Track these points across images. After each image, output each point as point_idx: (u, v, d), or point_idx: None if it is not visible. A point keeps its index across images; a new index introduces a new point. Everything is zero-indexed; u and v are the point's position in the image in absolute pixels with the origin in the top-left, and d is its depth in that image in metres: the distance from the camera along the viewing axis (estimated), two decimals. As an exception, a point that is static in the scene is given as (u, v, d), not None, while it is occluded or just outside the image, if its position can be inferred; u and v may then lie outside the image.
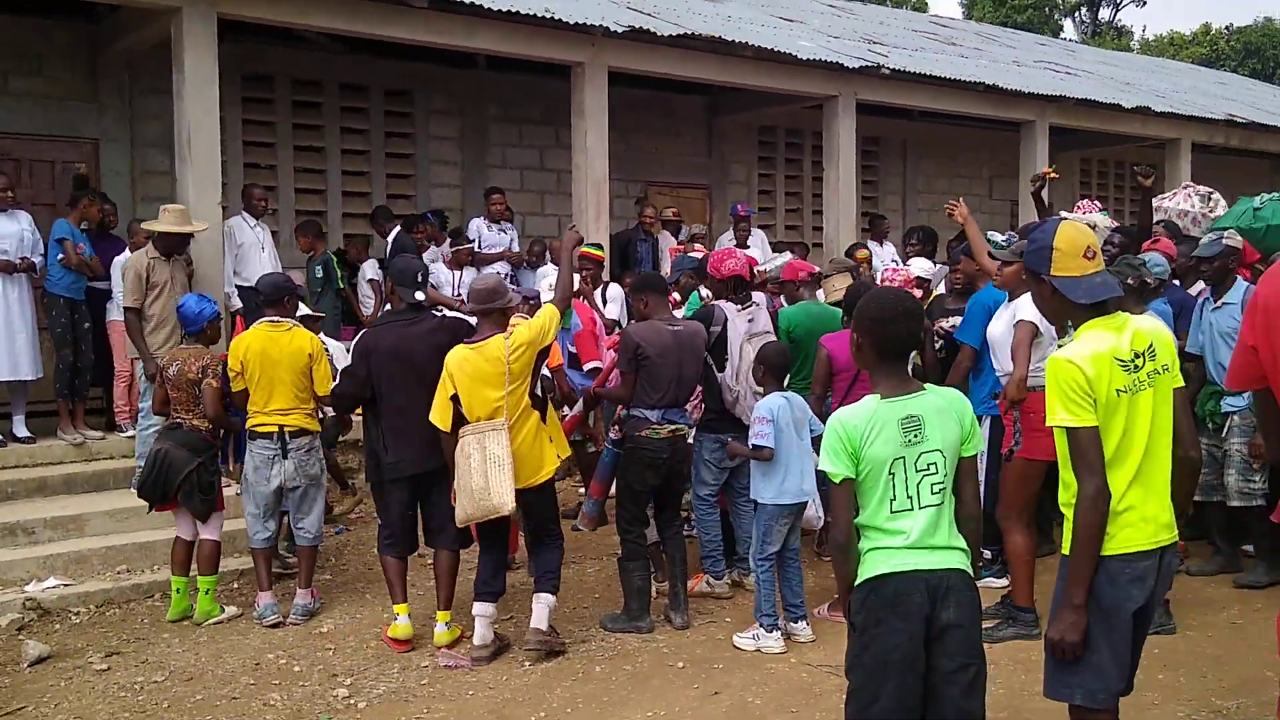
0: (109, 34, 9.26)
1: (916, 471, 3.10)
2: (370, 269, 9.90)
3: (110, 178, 9.49)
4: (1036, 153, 12.97)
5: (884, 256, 11.21)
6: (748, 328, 6.18)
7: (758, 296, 6.64)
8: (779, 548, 5.67)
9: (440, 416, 5.48)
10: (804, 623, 5.74)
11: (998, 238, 7.53)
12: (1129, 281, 5.71)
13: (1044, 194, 8.60)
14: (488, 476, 5.29)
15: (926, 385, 3.24)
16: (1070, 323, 3.38)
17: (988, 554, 6.27)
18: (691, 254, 8.64)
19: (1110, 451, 3.16)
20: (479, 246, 10.24)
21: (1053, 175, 8.63)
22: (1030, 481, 5.56)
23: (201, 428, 6.18)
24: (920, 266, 8.18)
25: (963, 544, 3.15)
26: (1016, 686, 4.90)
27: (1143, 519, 3.20)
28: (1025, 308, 5.41)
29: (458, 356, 5.48)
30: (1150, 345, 3.26)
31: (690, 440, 6.15)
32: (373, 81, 11.02)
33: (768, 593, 5.66)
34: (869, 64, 11.50)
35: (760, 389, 5.92)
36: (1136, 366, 3.21)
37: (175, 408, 6.20)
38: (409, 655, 5.65)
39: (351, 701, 5.07)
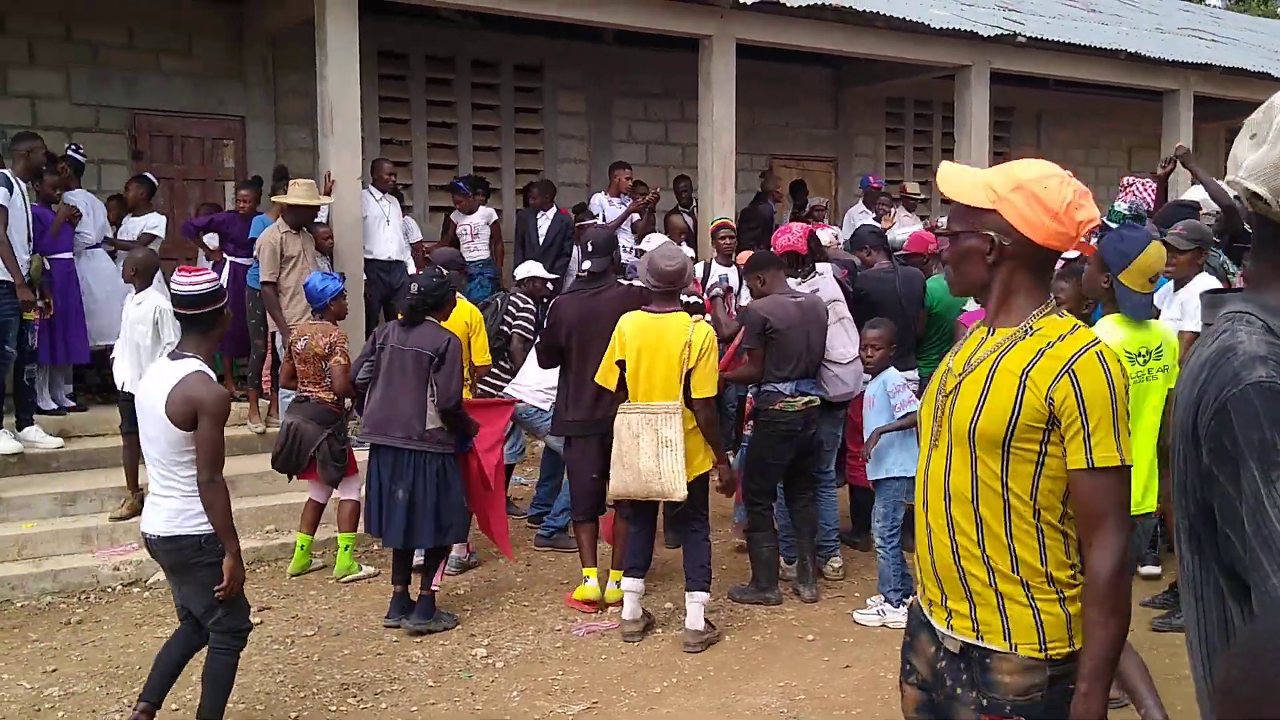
0: (254, 13, 9.62)
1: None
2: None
3: (256, 154, 9.86)
4: (1180, 123, 12.49)
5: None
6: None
7: (822, 267, 6.51)
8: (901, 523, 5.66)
9: (606, 378, 5.46)
10: (903, 607, 5.66)
11: (1121, 207, 7.27)
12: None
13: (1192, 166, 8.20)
14: (659, 459, 5.26)
15: None
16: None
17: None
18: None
19: None
20: (604, 221, 10.32)
21: (1180, 150, 8.08)
22: None
23: (328, 400, 6.39)
24: None
25: None
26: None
27: (1140, 492, 3.66)
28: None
29: (634, 321, 5.38)
30: (1159, 345, 3.79)
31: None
32: (504, 57, 11.20)
33: (896, 567, 5.64)
34: (1005, 32, 11.22)
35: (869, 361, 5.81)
36: (1142, 361, 3.72)
37: (303, 381, 6.43)
38: (543, 618, 5.80)
39: (490, 661, 5.24)
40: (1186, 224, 5.76)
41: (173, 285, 4.21)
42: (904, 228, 9.84)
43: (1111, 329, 3.78)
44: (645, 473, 5.29)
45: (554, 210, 9.93)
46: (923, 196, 11.28)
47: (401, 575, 5.73)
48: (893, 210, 10.77)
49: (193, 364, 4.04)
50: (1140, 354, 3.73)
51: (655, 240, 8.12)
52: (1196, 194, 7.76)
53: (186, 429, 3.97)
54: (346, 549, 6.50)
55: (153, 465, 4.14)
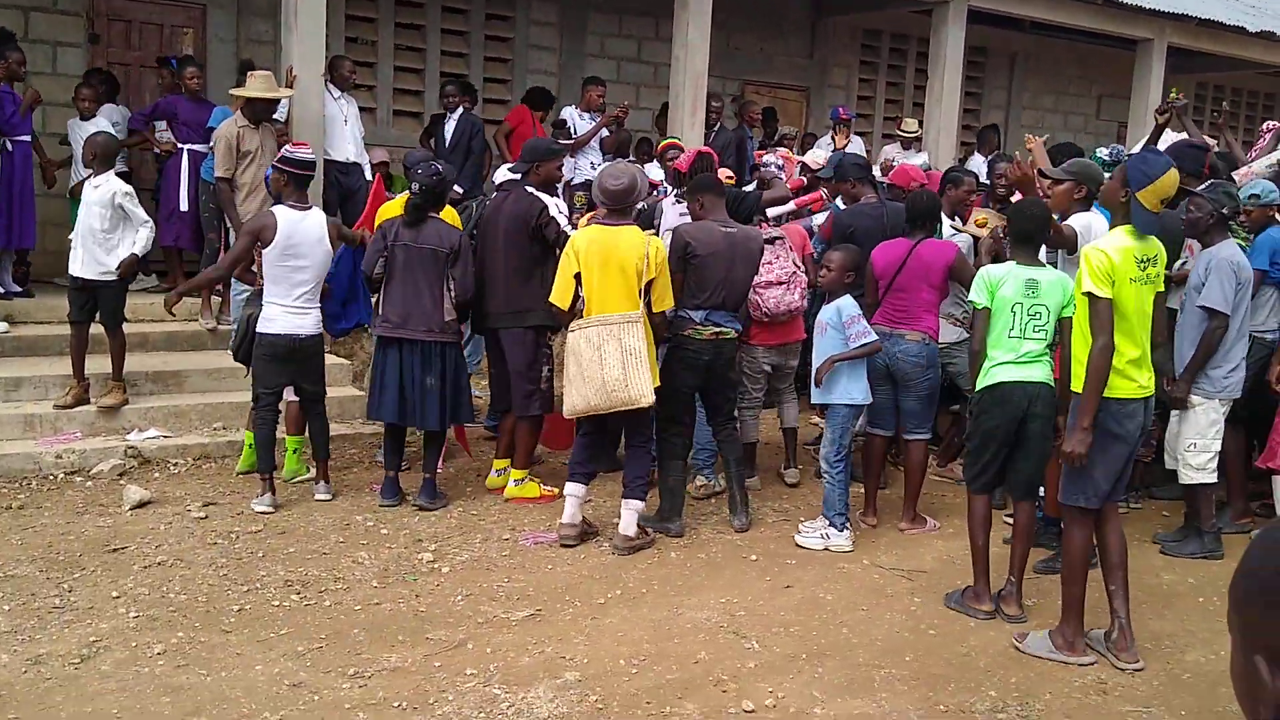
0: (220, -103, 9.27)
1: (1029, 315, 4.69)
2: None
3: (215, 44, 9.59)
4: (1151, 74, 12.51)
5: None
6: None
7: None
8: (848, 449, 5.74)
9: (561, 295, 5.50)
10: (847, 531, 5.76)
11: (1103, 153, 7.33)
12: (1223, 210, 5.64)
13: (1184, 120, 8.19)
14: (625, 368, 5.29)
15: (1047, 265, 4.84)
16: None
17: None
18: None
19: (1118, 322, 4.29)
20: (574, 135, 10.19)
21: (1180, 99, 8.09)
22: None
23: None
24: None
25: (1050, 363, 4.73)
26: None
27: (1133, 378, 4.36)
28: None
29: (587, 234, 5.47)
30: (1156, 255, 4.43)
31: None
32: (477, -38, 10.93)
33: (841, 493, 5.72)
34: (984, -31, 11.11)
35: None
36: (1144, 267, 4.36)
37: (258, 274, 6.32)
38: (490, 527, 5.82)
39: (435, 566, 5.25)
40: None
41: (284, 152, 6.04)
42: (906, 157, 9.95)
43: (1123, 238, 4.38)
44: (611, 383, 5.31)
45: (460, 111, 9.55)
46: (918, 134, 11.22)
47: (396, 460, 6.16)
48: (849, 138, 10.76)
49: (319, 210, 6.07)
50: (1143, 260, 4.35)
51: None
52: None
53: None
54: (295, 452, 6.46)
55: (303, 286, 5.89)
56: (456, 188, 7.74)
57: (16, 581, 4.82)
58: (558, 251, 5.89)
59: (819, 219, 7.39)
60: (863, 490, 6.21)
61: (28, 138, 7.67)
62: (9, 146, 7.44)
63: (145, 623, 4.49)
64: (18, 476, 6.17)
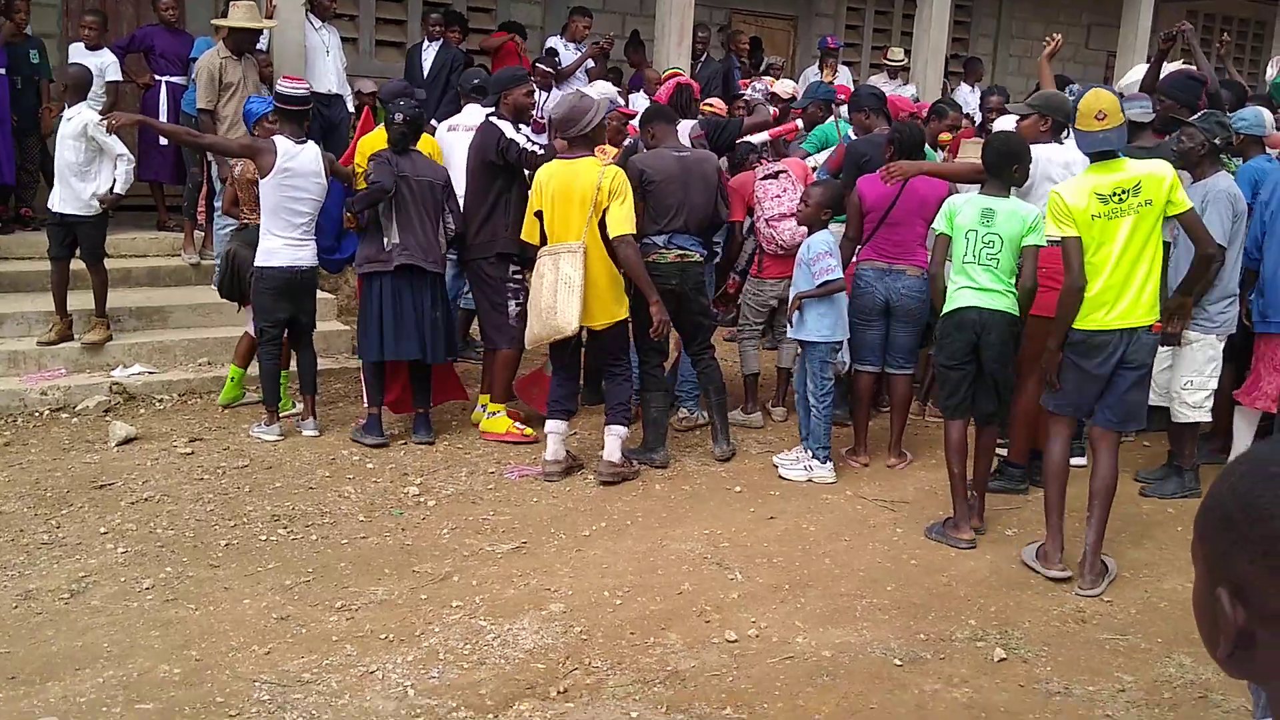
0: None
1: (982, 242, 4.81)
2: None
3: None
4: (1140, 2, 12.35)
5: (974, 104, 10.86)
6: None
7: (682, 125, 6.45)
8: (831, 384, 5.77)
9: (529, 232, 5.56)
10: (830, 463, 5.81)
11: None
12: (1215, 141, 5.53)
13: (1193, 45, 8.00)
14: (556, 296, 5.35)
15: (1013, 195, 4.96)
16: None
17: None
18: (823, 82, 8.55)
19: (1088, 257, 4.44)
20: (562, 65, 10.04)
21: (1185, 27, 7.83)
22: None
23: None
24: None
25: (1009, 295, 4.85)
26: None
27: (1108, 307, 4.45)
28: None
29: (548, 171, 5.50)
30: (1137, 184, 4.42)
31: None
32: (460, -115, 10.69)
33: (826, 427, 5.76)
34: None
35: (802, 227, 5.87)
36: (1118, 199, 4.40)
37: (242, 208, 6.31)
38: (476, 461, 5.85)
39: (421, 500, 5.29)
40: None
41: (277, 88, 6.07)
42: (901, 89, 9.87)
43: (1084, 176, 4.55)
44: (544, 311, 5.38)
45: (440, 42, 9.28)
46: (904, 64, 11.10)
47: (424, 397, 6.14)
48: (836, 69, 10.66)
49: (314, 144, 6.03)
50: (1114, 194, 4.42)
51: (601, 86, 7.90)
52: (1136, 74, 7.80)
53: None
54: (235, 380, 6.51)
55: (302, 218, 5.90)
56: (433, 121, 7.64)
57: (5, 518, 4.84)
58: (527, 175, 5.94)
59: (822, 156, 7.29)
60: (850, 427, 6.24)
61: (1, 71, 7.54)
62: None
63: (134, 558, 4.52)
64: (3, 414, 6.17)
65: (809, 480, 5.73)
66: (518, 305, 6.13)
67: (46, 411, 6.27)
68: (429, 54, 9.26)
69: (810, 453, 5.79)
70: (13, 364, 6.50)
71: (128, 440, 5.86)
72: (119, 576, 4.35)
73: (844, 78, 10.85)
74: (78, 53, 7.77)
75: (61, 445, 5.82)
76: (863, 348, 5.97)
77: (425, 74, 9.14)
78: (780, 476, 5.77)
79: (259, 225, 6.14)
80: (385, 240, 5.88)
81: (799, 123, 7.53)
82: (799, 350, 5.96)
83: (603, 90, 6.96)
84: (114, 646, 3.83)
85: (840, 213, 5.94)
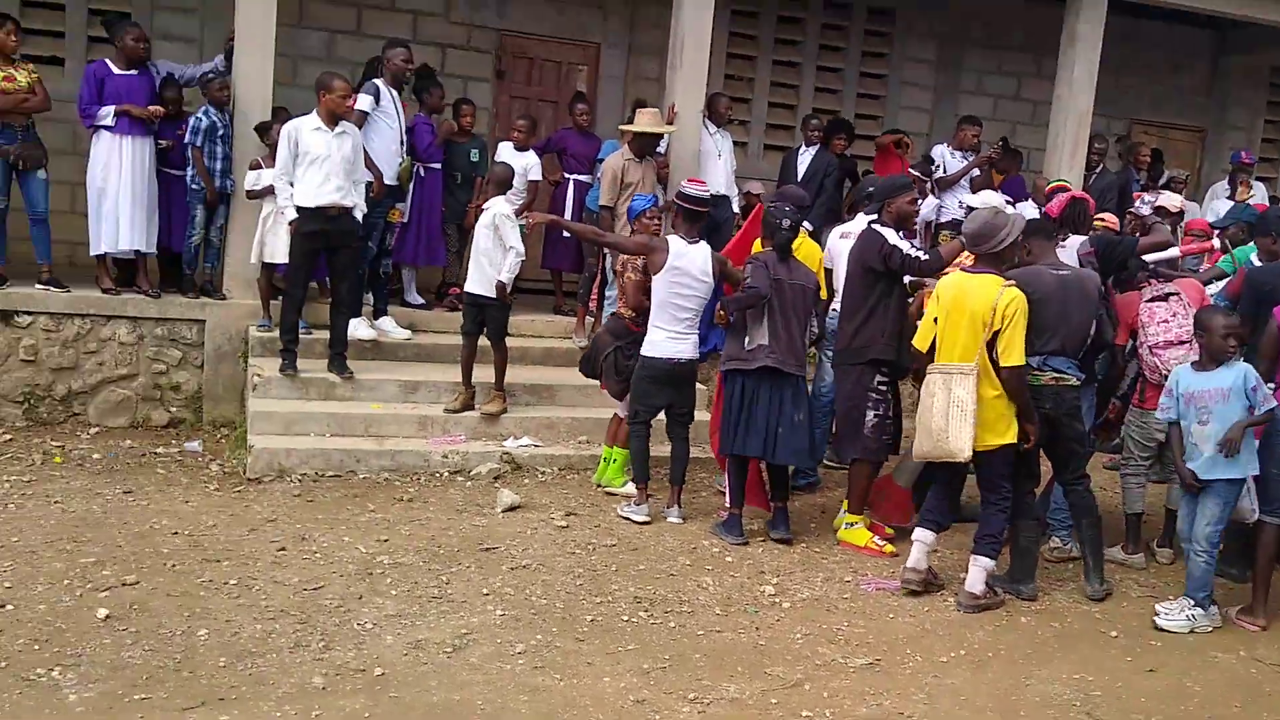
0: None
1: None
2: None
3: (606, 81, 10.22)
4: None
5: None
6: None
7: (1071, 240, 6.25)
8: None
9: (921, 338, 5.55)
10: (1214, 608, 5.38)
11: None
12: None
13: None
14: (948, 419, 5.26)
15: None
16: None
17: None
18: (1246, 203, 8.07)
19: None
20: (944, 173, 9.97)
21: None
22: None
23: (625, 314, 6.67)
24: None
25: None
26: None
27: None
28: None
29: (949, 281, 5.49)
30: None
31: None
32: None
33: (1209, 570, 5.31)
34: None
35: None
36: None
37: (619, 299, 6.79)
38: (833, 567, 5.82)
39: (776, 600, 5.32)
40: None
41: (681, 188, 6.40)
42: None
43: None
44: (935, 432, 5.31)
45: (817, 147, 9.44)
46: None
47: (743, 498, 6.21)
48: (1250, 185, 9.85)
49: (705, 244, 6.34)
50: None
51: (986, 196, 7.78)
52: None
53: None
54: (614, 462, 6.80)
55: (687, 314, 6.23)
56: (806, 224, 7.79)
57: (403, 569, 5.35)
58: (907, 281, 6.07)
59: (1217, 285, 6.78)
60: (1249, 585, 5.62)
61: (438, 166, 8.50)
62: (422, 173, 8.30)
63: (509, 621, 4.85)
64: (409, 471, 6.84)
65: (1192, 630, 5.25)
66: (876, 417, 6.07)
67: (446, 473, 6.89)
68: (804, 158, 9.48)
69: (1192, 600, 5.31)
70: (422, 426, 7.21)
71: (512, 508, 6.32)
72: (495, 638, 4.68)
73: (1260, 195, 10.02)
74: (506, 152, 8.61)
75: (456, 506, 6.37)
76: (1271, 491, 5.41)
77: (799, 177, 9.36)
78: (1155, 626, 5.32)
79: (618, 313, 6.66)
80: (746, 340, 6.06)
81: (1216, 242, 7.02)
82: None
83: (1005, 205, 6.81)
84: (487, 705, 4.11)
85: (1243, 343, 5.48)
